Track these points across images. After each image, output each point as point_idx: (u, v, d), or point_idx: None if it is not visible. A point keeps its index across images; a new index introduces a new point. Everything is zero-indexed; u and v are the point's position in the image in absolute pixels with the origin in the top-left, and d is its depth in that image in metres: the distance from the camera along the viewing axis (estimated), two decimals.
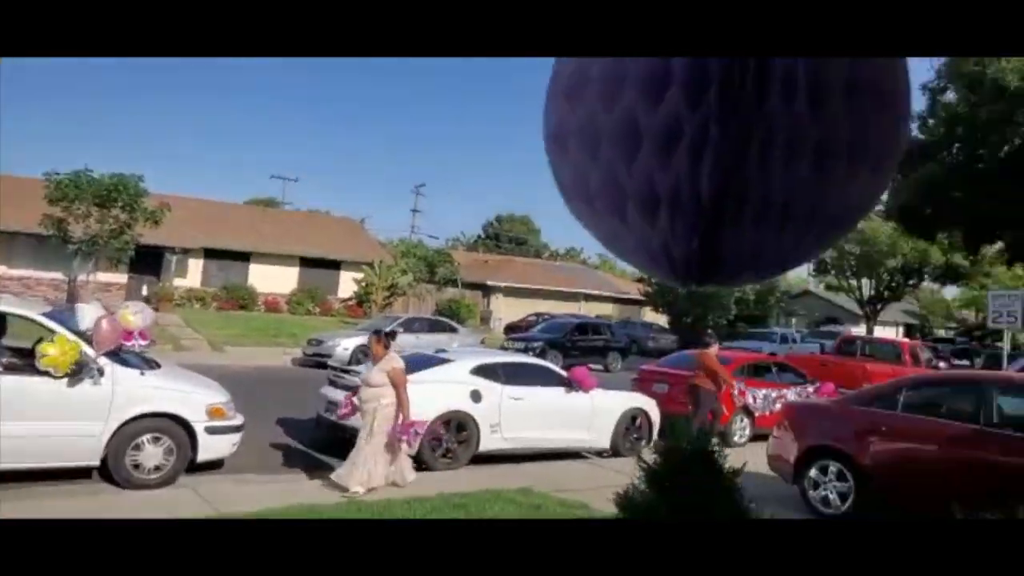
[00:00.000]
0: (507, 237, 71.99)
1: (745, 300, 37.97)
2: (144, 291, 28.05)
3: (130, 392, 7.09)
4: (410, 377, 8.90)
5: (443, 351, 10.56)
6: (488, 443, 9.07)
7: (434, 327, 21.82)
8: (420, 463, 8.63)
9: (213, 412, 7.52)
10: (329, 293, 32.90)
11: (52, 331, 6.95)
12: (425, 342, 17.70)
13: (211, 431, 7.45)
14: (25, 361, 7.00)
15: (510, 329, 32.08)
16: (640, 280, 41.28)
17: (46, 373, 6.68)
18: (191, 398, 7.49)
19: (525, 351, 20.22)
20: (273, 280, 31.63)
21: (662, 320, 37.36)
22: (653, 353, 26.60)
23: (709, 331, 13.38)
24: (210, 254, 30.52)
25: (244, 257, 31.41)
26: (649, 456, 2.78)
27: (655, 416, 10.66)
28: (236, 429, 7.78)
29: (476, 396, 9.05)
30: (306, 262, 32.75)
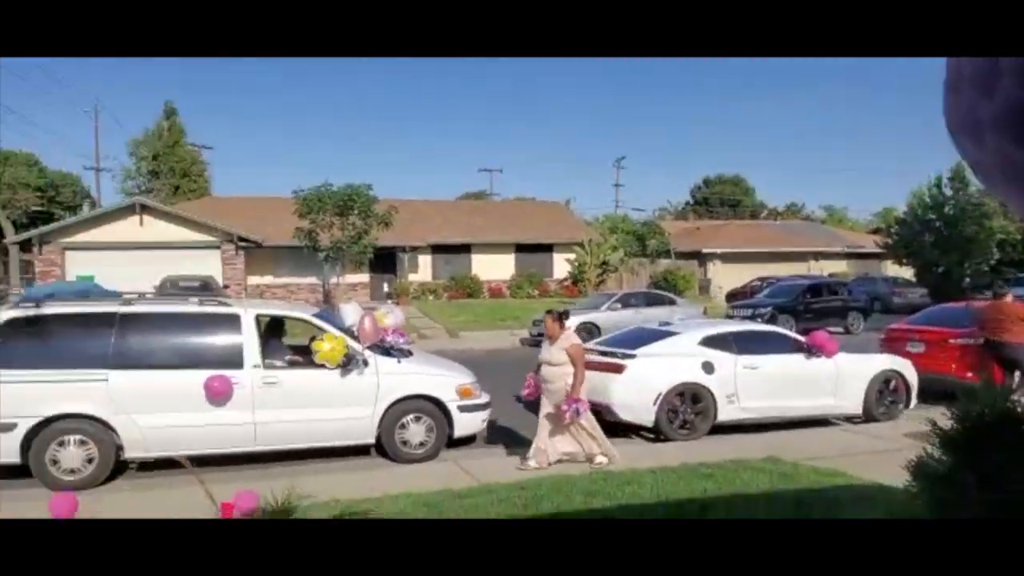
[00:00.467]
0: (718, 200, 69.30)
1: (1009, 242, 33.36)
2: (385, 288, 30.75)
3: (391, 378, 7.89)
4: (638, 351, 9.02)
5: (667, 324, 10.50)
6: (726, 413, 8.91)
7: (652, 300, 21.66)
8: (658, 434, 8.71)
9: (463, 392, 8.13)
10: (545, 275, 33.88)
11: (322, 329, 7.92)
12: (644, 316, 17.66)
13: (463, 409, 8.08)
14: (304, 357, 8.03)
15: (732, 296, 30.93)
16: (876, 231, 37.84)
17: (322, 366, 7.62)
18: (443, 380, 8.17)
19: (752, 318, 19.46)
20: (493, 268, 33.20)
21: (907, 273, 33.90)
22: (901, 310, 24.32)
23: (999, 281, 12.03)
24: (436, 249, 32.70)
25: (466, 249, 33.26)
26: (944, 421, 2.59)
27: (912, 378, 9.81)
28: (484, 407, 8.35)
29: (708, 367, 8.93)
30: (521, 248, 33.96)
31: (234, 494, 5.04)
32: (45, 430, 6.92)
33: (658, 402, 8.61)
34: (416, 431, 7.90)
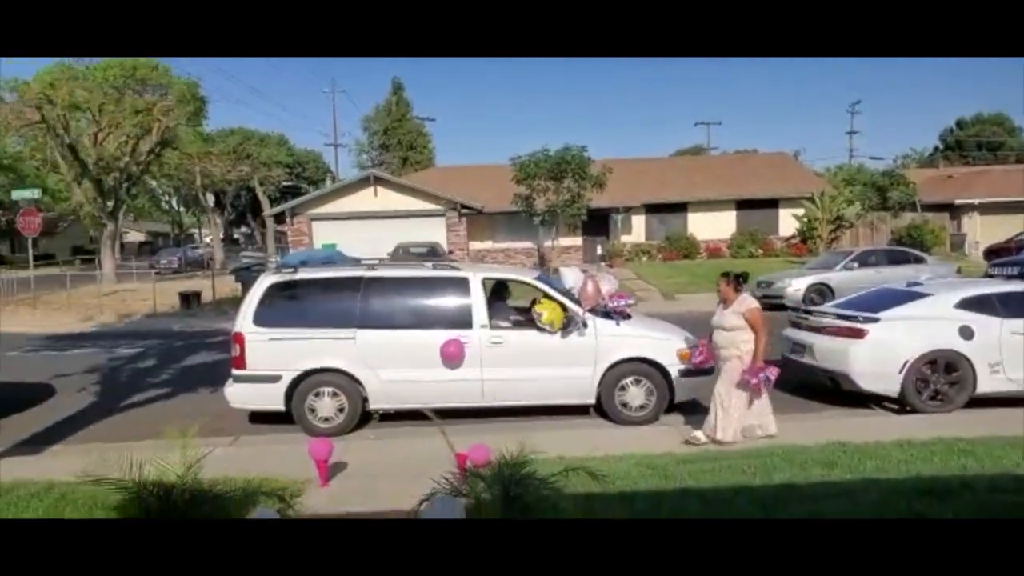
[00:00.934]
0: (975, 144, 60.94)
1: None
2: (598, 250, 30.86)
3: (611, 341, 7.88)
4: (882, 314, 8.21)
5: (916, 284, 9.44)
6: (988, 385, 7.88)
7: (895, 259, 19.61)
8: (904, 405, 7.92)
9: (683, 356, 7.92)
10: (769, 233, 32.03)
11: (544, 292, 8.08)
12: (885, 276, 16.04)
13: (683, 374, 7.88)
14: (526, 318, 8.25)
15: (992, 253, 27.20)
16: None
17: (544, 329, 7.79)
18: (662, 344, 8.01)
19: (1020, 278, 16.98)
20: (712, 226, 31.99)
21: None
22: None
23: None
24: (650, 209, 32.11)
25: (681, 208, 32.33)
26: None
27: None
28: (705, 372, 8.07)
29: (966, 332, 7.92)
30: (742, 204, 32.34)
31: (469, 446, 5.34)
32: (304, 382, 7.78)
33: (904, 370, 7.81)
34: (636, 394, 7.84)
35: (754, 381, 6.69)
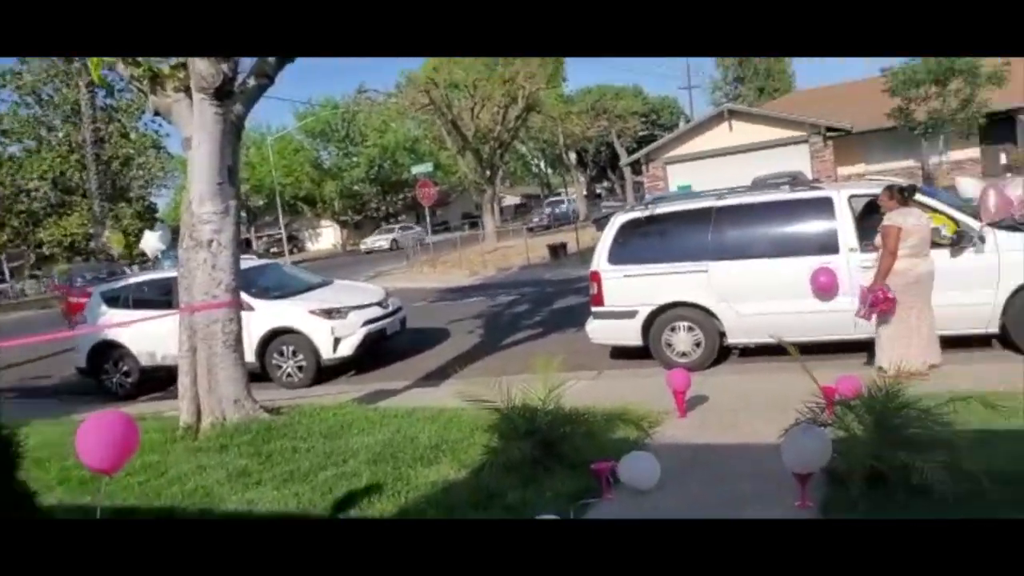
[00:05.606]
0: None
1: None
2: (1002, 159, 25.81)
3: (1018, 257, 6.51)
4: None
5: None
6: None
7: None
8: None
9: None
10: None
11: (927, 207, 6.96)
12: None
13: None
14: None
15: None
16: None
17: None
18: None
19: None
20: None
21: None
22: None
23: None
24: None
25: None
26: None
27: None
28: None
29: None
30: None
31: (836, 379, 4.90)
32: (660, 317, 7.82)
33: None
34: None
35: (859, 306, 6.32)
